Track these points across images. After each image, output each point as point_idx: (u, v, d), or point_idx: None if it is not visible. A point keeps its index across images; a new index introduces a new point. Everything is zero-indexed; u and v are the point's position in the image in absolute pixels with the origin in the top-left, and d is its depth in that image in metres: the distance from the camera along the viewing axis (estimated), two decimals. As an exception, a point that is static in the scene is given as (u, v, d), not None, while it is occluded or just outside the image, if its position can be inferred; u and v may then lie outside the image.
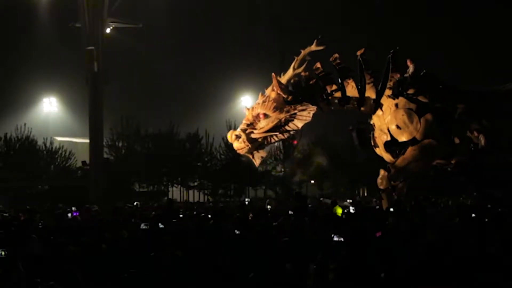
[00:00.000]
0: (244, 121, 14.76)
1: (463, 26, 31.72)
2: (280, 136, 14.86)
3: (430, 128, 14.49)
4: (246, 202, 20.77)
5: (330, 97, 14.98)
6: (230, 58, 34.74)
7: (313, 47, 15.14)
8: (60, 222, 10.42)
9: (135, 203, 20.09)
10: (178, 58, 36.40)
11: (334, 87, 14.98)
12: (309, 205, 15.52)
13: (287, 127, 14.75)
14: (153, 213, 13.58)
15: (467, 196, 18.82)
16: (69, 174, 32.70)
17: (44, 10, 32.11)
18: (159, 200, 30.25)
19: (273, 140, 14.98)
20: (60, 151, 33.35)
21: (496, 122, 14.58)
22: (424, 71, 15.21)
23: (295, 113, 14.69)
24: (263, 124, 14.45)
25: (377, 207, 14.72)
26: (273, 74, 14.66)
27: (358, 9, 34.04)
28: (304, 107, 14.71)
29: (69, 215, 13.21)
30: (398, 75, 14.86)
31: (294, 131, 14.97)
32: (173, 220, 10.96)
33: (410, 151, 14.51)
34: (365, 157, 16.17)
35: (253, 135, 14.42)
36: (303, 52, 15.05)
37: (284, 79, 14.90)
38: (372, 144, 15.43)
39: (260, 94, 14.86)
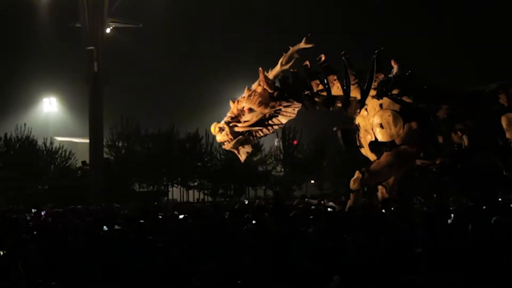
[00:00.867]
0: (228, 114, 14.75)
1: (463, 26, 31.74)
2: (265, 131, 14.84)
3: (411, 136, 14.58)
4: (246, 202, 20.76)
5: (315, 96, 15.03)
6: (230, 58, 34.80)
7: (302, 45, 15.14)
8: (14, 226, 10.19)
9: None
10: (178, 58, 36.44)
11: (321, 86, 15.03)
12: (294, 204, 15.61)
13: (271, 122, 14.76)
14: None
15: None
16: (69, 174, 32.70)
17: (44, 10, 32.12)
18: (159, 200, 30.29)
19: (257, 135, 14.96)
20: (60, 151, 33.36)
21: (479, 123, 14.64)
22: (409, 71, 15.29)
23: (280, 109, 14.70)
24: (248, 118, 14.44)
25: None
26: (260, 68, 14.66)
27: (358, 9, 34.07)
28: (289, 104, 14.73)
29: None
30: (382, 76, 14.92)
31: (277, 127, 14.99)
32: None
33: (385, 156, 14.60)
34: (365, 157, 16.14)
35: (236, 129, 14.40)
36: (291, 49, 15.06)
37: (271, 74, 14.92)
38: (358, 144, 15.51)
39: (246, 88, 14.87)
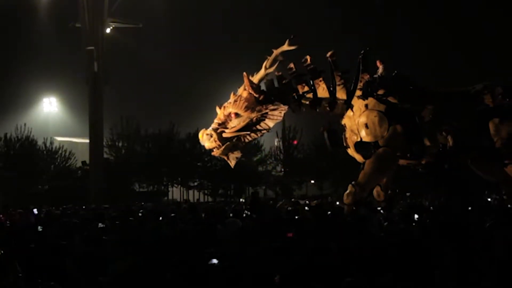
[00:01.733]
0: (215, 120, 14.77)
1: (463, 26, 31.75)
2: (253, 135, 14.87)
3: (395, 139, 14.63)
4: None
5: (301, 98, 15.08)
6: (229, 58, 34.78)
7: (285, 47, 15.17)
8: None
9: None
10: (178, 58, 36.45)
11: (306, 88, 15.08)
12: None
13: (258, 127, 14.78)
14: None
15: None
16: (69, 174, 32.71)
17: (44, 10, 32.12)
18: (159, 200, 30.31)
19: (246, 140, 14.99)
20: (60, 151, 33.36)
21: (464, 123, 14.67)
22: (395, 72, 15.33)
23: (267, 113, 14.73)
24: (235, 124, 14.45)
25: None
26: (244, 73, 14.70)
27: (358, 9, 34.08)
28: (275, 107, 14.78)
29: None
30: (368, 76, 14.96)
31: (265, 131, 15.03)
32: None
33: (368, 164, 14.66)
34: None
35: (224, 135, 14.42)
36: (275, 52, 15.09)
37: (256, 78, 14.95)
38: (344, 145, 15.58)
39: (232, 94, 14.91)
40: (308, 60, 15.04)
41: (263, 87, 14.92)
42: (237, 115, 14.47)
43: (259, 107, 14.57)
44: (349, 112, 15.07)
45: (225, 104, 14.74)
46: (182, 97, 36.77)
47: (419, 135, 14.70)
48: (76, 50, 31.70)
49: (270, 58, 14.82)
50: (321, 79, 14.98)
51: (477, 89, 14.91)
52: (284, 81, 14.99)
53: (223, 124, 14.45)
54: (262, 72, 14.85)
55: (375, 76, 14.97)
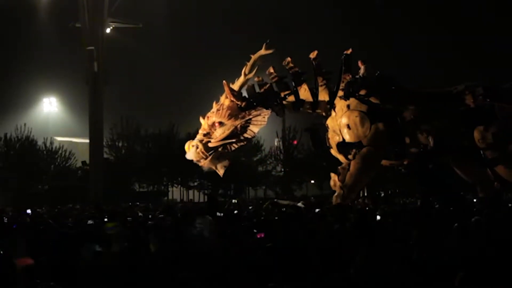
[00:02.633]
0: (200, 131, 14.79)
1: (463, 26, 31.75)
2: (239, 142, 14.90)
3: (378, 137, 14.63)
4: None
5: (284, 101, 15.10)
6: (229, 58, 34.76)
7: (263, 52, 15.21)
8: None
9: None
10: (178, 58, 36.45)
11: (288, 91, 15.12)
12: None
13: (243, 133, 14.82)
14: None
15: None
16: (69, 174, 32.71)
17: (44, 10, 32.12)
18: (159, 200, 30.30)
19: (232, 148, 14.99)
20: (60, 151, 33.36)
21: (446, 123, 14.68)
22: (378, 72, 15.35)
23: (250, 119, 14.79)
24: (219, 133, 14.47)
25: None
26: (224, 81, 14.75)
27: (358, 9, 34.08)
28: (258, 112, 14.84)
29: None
30: (350, 76, 14.97)
31: (250, 137, 15.03)
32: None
33: (353, 165, 14.67)
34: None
35: (210, 145, 14.44)
36: (253, 57, 15.14)
37: (236, 85, 15.00)
38: (328, 145, 15.61)
39: (214, 103, 14.94)
40: (290, 62, 15.08)
41: (245, 93, 15.00)
42: (221, 124, 14.48)
43: (242, 114, 14.60)
44: (332, 113, 15.11)
45: (208, 114, 14.76)
46: (182, 97, 36.76)
47: (400, 135, 14.74)
48: (76, 50, 31.71)
49: (249, 64, 14.84)
50: (303, 81, 15.04)
51: (459, 90, 14.94)
52: (265, 86, 15.06)
53: (208, 134, 14.47)
54: (242, 78, 14.88)
55: (357, 76, 15.00)
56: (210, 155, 14.24)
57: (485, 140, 14.29)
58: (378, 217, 9.43)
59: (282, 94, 14.90)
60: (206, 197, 34.26)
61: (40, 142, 33.00)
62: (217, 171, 14.79)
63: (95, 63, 29.49)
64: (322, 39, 32.05)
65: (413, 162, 14.62)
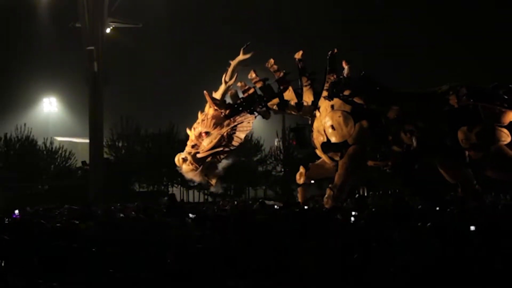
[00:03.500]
0: (188, 143, 14.87)
1: (463, 25, 31.72)
2: (227, 150, 14.96)
3: (363, 135, 14.69)
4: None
5: (269, 103, 15.16)
6: (230, 58, 34.71)
7: (241, 57, 15.33)
8: None
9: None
10: (178, 58, 36.43)
11: (271, 92, 15.18)
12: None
13: (230, 141, 14.88)
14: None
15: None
16: (69, 174, 32.68)
17: (44, 10, 32.09)
18: (160, 200, 30.26)
19: (221, 157, 15.04)
20: (60, 151, 33.31)
21: (430, 124, 14.71)
22: (363, 72, 15.39)
23: (236, 126, 14.87)
24: (206, 143, 14.57)
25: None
26: (205, 92, 14.86)
27: (358, 9, 34.07)
28: (243, 118, 14.96)
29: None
30: (334, 77, 14.99)
31: (237, 143, 15.08)
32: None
33: (341, 165, 14.74)
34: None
35: (198, 155, 14.53)
36: (232, 64, 15.22)
37: (218, 94, 15.10)
38: (313, 145, 15.67)
39: (199, 112, 14.99)
40: (273, 64, 15.14)
41: (229, 100, 15.07)
42: (207, 133, 14.56)
43: (227, 122, 14.72)
44: (317, 113, 15.15)
45: (194, 125, 14.83)
46: (182, 97, 36.70)
47: (385, 136, 14.77)
48: (76, 50, 31.68)
49: (229, 71, 14.92)
50: (287, 82, 15.10)
51: (443, 90, 14.97)
52: (249, 91, 15.11)
53: (196, 146, 14.53)
54: (223, 86, 14.99)
55: (341, 77, 15.03)
56: (200, 166, 14.31)
57: (469, 141, 14.33)
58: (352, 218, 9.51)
59: (266, 97, 15.00)
60: (206, 197, 34.24)
61: (40, 142, 32.95)
62: (209, 181, 14.85)
63: (95, 63, 29.46)
64: (322, 39, 32.08)
65: (397, 163, 14.65)
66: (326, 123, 14.84)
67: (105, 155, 32.41)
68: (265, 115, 15.39)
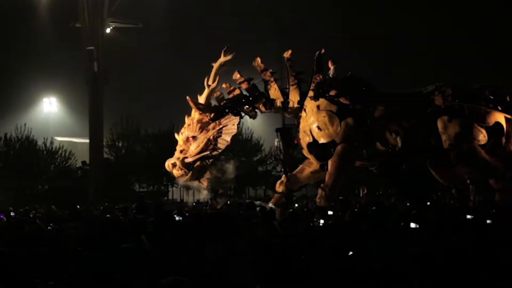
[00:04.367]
0: (177, 148, 14.93)
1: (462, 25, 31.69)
2: (215, 153, 15.01)
3: (349, 132, 14.70)
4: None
5: (255, 103, 15.20)
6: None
7: (222, 59, 15.40)
8: None
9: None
10: (178, 58, 36.41)
11: (257, 92, 15.23)
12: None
13: (217, 144, 14.93)
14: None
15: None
16: (69, 174, 32.68)
17: (44, 10, 32.10)
18: (160, 200, 30.26)
19: (210, 161, 15.09)
20: (60, 151, 33.30)
21: (415, 124, 14.72)
22: (349, 72, 15.41)
23: (221, 128, 14.92)
24: (194, 147, 14.62)
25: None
26: (187, 97, 14.93)
27: (358, 9, 34.07)
28: (227, 121, 14.98)
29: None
30: (320, 77, 15.00)
31: (224, 146, 15.12)
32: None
33: (331, 164, 14.73)
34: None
35: (186, 160, 14.60)
36: (214, 66, 15.26)
37: (202, 98, 15.13)
38: (299, 145, 15.72)
39: (186, 117, 15.04)
40: (259, 62, 15.18)
41: (215, 103, 15.12)
42: (194, 138, 14.60)
43: (212, 125, 14.78)
44: (303, 113, 15.17)
45: (182, 129, 14.88)
46: (182, 97, 36.64)
47: (370, 136, 14.78)
48: (76, 50, 31.68)
49: (212, 74, 14.96)
50: (272, 79, 15.12)
51: (429, 90, 15.00)
52: (234, 92, 15.15)
53: (184, 150, 14.58)
54: (206, 90, 15.00)
55: (326, 77, 15.04)
56: (190, 170, 14.37)
57: (449, 140, 14.36)
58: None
59: (252, 97, 15.03)
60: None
61: (40, 142, 32.95)
62: (201, 184, 14.90)
63: (95, 63, 29.48)
64: (322, 39, 32.08)
65: (383, 163, 14.66)
66: (312, 124, 14.88)
67: (105, 155, 32.43)
68: (252, 115, 15.44)
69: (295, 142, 15.52)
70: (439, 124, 14.50)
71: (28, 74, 36.29)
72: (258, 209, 12.28)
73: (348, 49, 32.61)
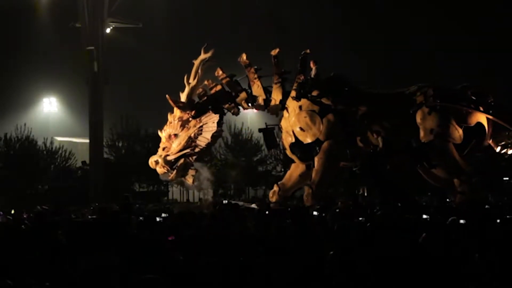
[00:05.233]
0: (160, 145, 14.94)
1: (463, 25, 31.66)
2: (197, 150, 14.99)
3: (332, 128, 14.74)
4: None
5: (237, 99, 15.21)
6: (229, 58, 34.69)
7: (202, 56, 15.43)
8: None
9: None
10: (178, 57, 36.38)
11: (239, 88, 15.24)
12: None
13: (198, 141, 14.91)
14: None
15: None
16: (69, 174, 32.67)
17: (44, 10, 32.08)
18: (159, 200, 30.27)
19: (192, 157, 15.06)
20: (60, 151, 33.31)
21: (397, 125, 14.72)
22: (333, 73, 15.42)
23: (202, 126, 14.89)
24: (176, 145, 14.65)
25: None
26: (167, 95, 14.95)
27: (358, 9, 34.04)
28: (207, 118, 14.97)
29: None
30: (303, 77, 15.01)
31: (204, 144, 15.08)
32: None
33: (317, 161, 14.74)
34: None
35: (168, 158, 14.60)
36: (195, 63, 15.27)
37: (183, 96, 15.13)
38: (282, 146, 15.76)
39: (169, 114, 15.03)
40: (244, 58, 15.19)
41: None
42: (176, 135, 14.60)
43: (193, 122, 14.78)
44: (285, 114, 15.19)
45: (165, 127, 14.89)
46: (182, 97, 36.70)
47: (353, 136, 14.78)
48: (76, 50, 31.66)
49: (192, 72, 14.96)
50: (255, 76, 15.12)
51: (411, 91, 15.01)
52: (216, 88, 15.16)
53: (167, 148, 14.59)
54: (186, 88, 15.01)
55: (308, 77, 15.04)
56: (174, 168, 14.38)
57: (424, 133, 14.36)
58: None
59: (234, 93, 15.03)
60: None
61: (40, 142, 32.95)
62: (185, 180, 14.89)
63: (95, 63, 29.47)
64: (322, 39, 32.06)
65: (365, 163, 14.64)
66: (294, 125, 14.90)
67: (105, 155, 32.41)
68: (235, 111, 15.47)
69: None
70: (418, 116, 14.51)
71: (28, 74, 36.28)
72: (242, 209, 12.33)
73: (348, 49, 32.64)
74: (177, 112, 14.76)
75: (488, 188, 17.01)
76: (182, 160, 14.60)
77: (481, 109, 14.59)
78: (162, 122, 33.41)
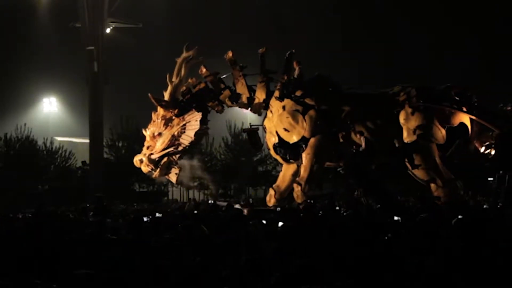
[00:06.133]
0: (145, 144, 14.99)
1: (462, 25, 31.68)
2: (180, 148, 15.00)
3: (315, 123, 14.69)
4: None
5: (220, 97, 15.23)
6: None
7: (184, 55, 15.42)
8: None
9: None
10: (178, 58, 36.39)
11: (223, 85, 15.25)
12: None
13: (181, 140, 14.89)
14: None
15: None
16: (69, 174, 32.69)
17: (44, 10, 32.10)
18: (159, 200, 30.28)
19: (176, 156, 15.07)
20: (60, 151, 33.34)
21: (380, 125, 14.71)
22: (316, 73, 15.41)
23: (185, 124, 14.90)
24: (159, 144, 14.67)
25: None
26: (149, 94, 14.97)
27: (358, 9, 34.06)
28: (190, 117, 14.96)
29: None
30: (286, 77, 15.00)
31: (188, 142, 15.07)
32: None
33: (305, 157, 14.72)
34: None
35: (152, 157, 14.64)
36: (178, 62, 15.27)
37: (166, 94, 15.14)
38: (266, 146, 15.76)
39: (153, 113, 15.06)
40: (231, 56, 15.20)
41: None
42: (160, 134, 14.62)
43: (177, 121, 14.77)
44: (269, 114, 15.17)
45: (149, 125, 14.90)
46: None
47: (336, 136, 14.78)
48: (76, 50, 31.68)
49: (175, 70, 14.95)
50: (240, 74, 15.11)
51: (394, 91, 15.00)
52: (199, 86, 15.16)
53: (151, 147, 14.63)
54: (169, 86, 15.02)
55: (291, 77, 15.03)
56: (158, 167, 14.40)
57: (407, 133, 14.36)
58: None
59: (218, 90, 15.03)
60: (206, 197, 34.23)
61: (40, 142, 32.99)
62: (169, 179, 14.92)
63: (95, 63, 29.51)
64: (322, 39, 32.08)
65: (349, 163, 14.61)
66: (277, 126, 14.91)
67: (105, 155, 32.42)
68: (219, 109, 15.47)
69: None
70: (402, 116, 14.52)
71: (28, 74, 36.29)
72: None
73: (348, 49, 32.65)
74: (160, 110, 14.78)
75: (471, 190, 16.98)
76: (165, 159, 14.60)
77: (464, 109, 14.56)
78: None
